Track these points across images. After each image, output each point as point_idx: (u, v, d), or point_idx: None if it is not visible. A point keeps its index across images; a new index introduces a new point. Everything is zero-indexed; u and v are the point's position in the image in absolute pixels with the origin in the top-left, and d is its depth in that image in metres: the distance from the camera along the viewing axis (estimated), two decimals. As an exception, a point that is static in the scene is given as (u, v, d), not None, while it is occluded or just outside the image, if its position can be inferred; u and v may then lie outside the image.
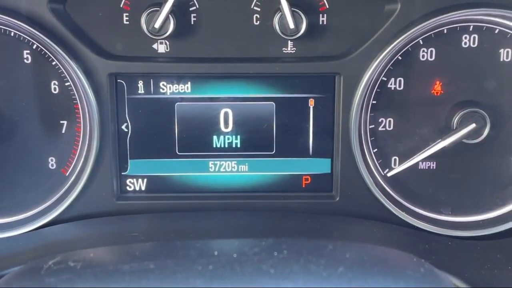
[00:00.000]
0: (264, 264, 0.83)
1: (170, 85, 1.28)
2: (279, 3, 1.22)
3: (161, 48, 1.27)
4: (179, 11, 1.24)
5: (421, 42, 1.26)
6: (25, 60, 1.26)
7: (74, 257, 0.93)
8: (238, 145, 1.31)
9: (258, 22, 1.26)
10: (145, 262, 0.87)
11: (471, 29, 1.25)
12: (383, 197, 1.30)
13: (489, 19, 1.24)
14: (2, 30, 1.24)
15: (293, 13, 1.22)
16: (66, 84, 1.26)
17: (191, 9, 1.25)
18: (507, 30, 1.25)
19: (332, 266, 0.85)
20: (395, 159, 1.31)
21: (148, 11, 1.23)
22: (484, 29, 1.25)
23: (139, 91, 1.28)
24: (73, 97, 1.27)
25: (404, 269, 0.91)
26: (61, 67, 1.26)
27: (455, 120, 1.27)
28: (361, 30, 1.26)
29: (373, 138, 1.30)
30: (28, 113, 1.28)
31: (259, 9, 1.26)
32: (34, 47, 1.25)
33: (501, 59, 1.27)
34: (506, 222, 1.31)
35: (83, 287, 0.79)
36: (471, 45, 1.26)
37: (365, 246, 1.07)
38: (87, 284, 0.81)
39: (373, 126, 1.29)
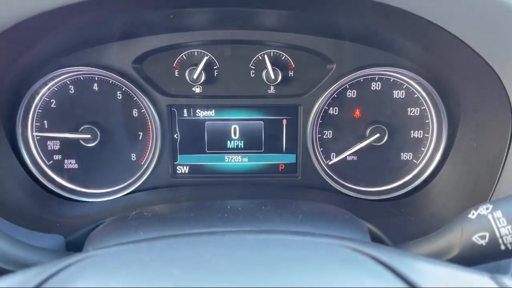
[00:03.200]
0: (256, 213, 0.85)
1: (202, 112, 1.26)
2: (266, 64, 1.22)
3: (197, 90, 1.26)
4: (208, 68, 1.24)
5: (348, 87, 1.25)
6: (118, 97, 1.25)
7: (147, 210, 0.93)
8: (242, 146, 1.29)
9: (253, 75, 1.25)
10: (188, 213, 0.89)
11: (376, 79, 1.25)
12: (326, 176, 1.30)
13: (386, 73, 1.24)
14: (105, 79, 1.23)
15: (273, 70, 1.22)
16: (142, 111, 1.25)
17: (214, 67, 1.25)
18: (396, 80, 1.25)
19: (296, 214, 0.86)
20: (333, 154, 1.29)
21: (190, 69, 1.23)
22: (384, 79, 1.25)
23: (184, 115, 1.26)
24: (146, 118, 1.26)
25: (337, 216, 0.94)
26: (139, 101, 1.24)
27: (367, 131, 1.26)
28: (312, 79, 1.25)
29: (320, 142, 1.29)
30: (120, 128, 1.26)
31: (254, 68, 1.25)
32: (123, 89, 1.24)
33: (394, 97, 1.26)
34: (397, 191, 1.30)
35: (153, 226, 0.80)
36: (377, 88, 1.26)
37: (315, 204, 1.08)
38: (155, 224, 0.82)
39: (320, 135, 1.28)
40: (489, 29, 0.90)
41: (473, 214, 0.76)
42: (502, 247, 0.72)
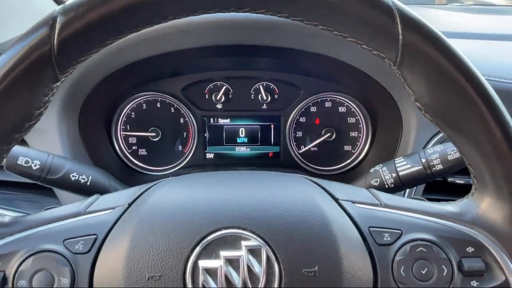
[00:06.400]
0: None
1: (222, 120, 1.42)
2: (260, 90, 1.39)
3: (219, 106, 1.42)
4: (225, 93, 1.41)
5: (311, 104, 1.42)
6: (171, 111, 1.41)
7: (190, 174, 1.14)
8: (246, 141, 1.44)
9: (253, 97, 1.39)
10: (213, 173, 1.06)
11: (328, 100, 1.41)
12: (298, 160, 1.44)
13: (334, 96, 1.41)
14: (164, 100, 1.40)
15: (265, 94, 1.39)
16: (186, 119, 1.42)
17: (229, 92, 1.41)
18: (341, 100, 1.42)
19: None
20: (302, 146, 1.44)
21: (215, 93, 1.39)
22: (333, 100, 1.41)
23: (211, 122, 1.42)
24: (188, 124, 1.42)
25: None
26: (184, 113, 1.41)
27: (323, 132, 1.42)
28: (289, 100, 1.41)
29: (294, 139, 1.44)
30: (171, 129, 1.41)
31: (253, 93, 1.41)
32: (175, 106, 1.41)
33: (339, 111, 1.42)
34: (342, 169, 1.44)
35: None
36: (329, 106, 1.41)
37: (287, 175, 1.22)
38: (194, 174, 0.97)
39: (294, 134, 1.44)
40: (385, 68, 1.16)
41: (372, 169, 1.00)
42: (386, 186, 0.87)
